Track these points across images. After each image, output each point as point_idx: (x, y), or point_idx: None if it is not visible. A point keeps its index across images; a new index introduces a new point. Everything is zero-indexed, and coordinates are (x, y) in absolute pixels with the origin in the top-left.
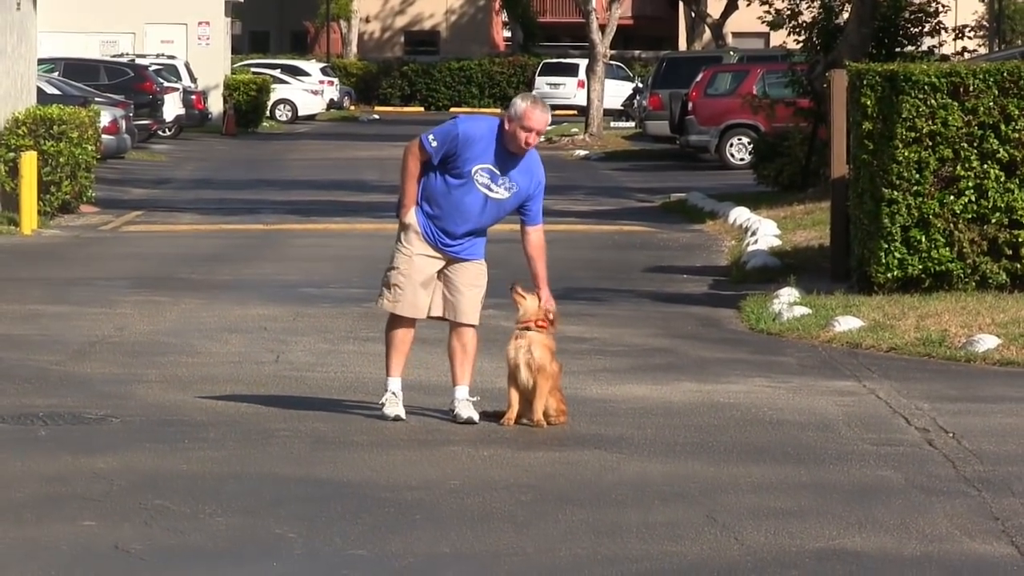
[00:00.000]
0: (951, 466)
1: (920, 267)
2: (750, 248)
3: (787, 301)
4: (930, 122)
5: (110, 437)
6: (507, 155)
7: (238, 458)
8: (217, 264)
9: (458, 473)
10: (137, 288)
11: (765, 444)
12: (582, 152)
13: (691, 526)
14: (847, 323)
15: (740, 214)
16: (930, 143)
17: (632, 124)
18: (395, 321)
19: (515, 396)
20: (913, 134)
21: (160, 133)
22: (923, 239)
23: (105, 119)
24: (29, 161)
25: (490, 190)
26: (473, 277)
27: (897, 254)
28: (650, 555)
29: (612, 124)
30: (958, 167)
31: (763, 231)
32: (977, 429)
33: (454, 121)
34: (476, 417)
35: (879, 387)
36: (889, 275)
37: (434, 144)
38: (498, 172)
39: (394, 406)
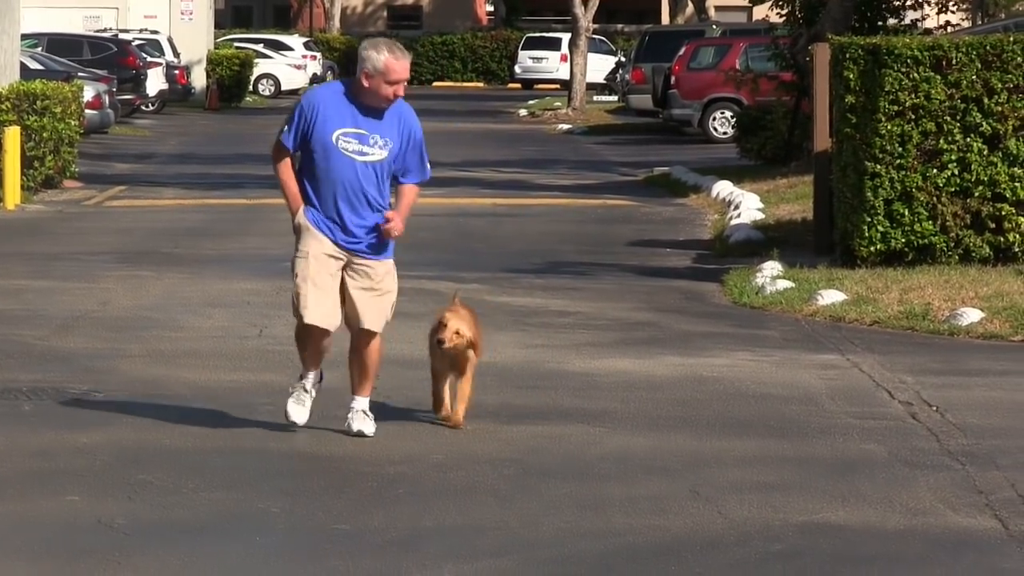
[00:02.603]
0: (935, 439)
1: (903, 241)
2: (733, 222)
3: (770, 275)
4: (913, 95)
5: (93, 412)
6: (370, 112)
7: (221, 433)
8: (200, 238)
9: (441, 447)
10: (121, 263)
11: (749, 418)
12: (565, 126)
13: (675, 500)
14: (830, 297)
15: (723, 188)
16: (913, 116)
17: (615, 98)
18: (304, 331)
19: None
20: (896, 107)
21: (143, 108)
22: (906, 212)
23: (88, 94)
24: (12, 136)
25: (362, 154)
26: (377, 279)
27: (880, 227)
28: (634, 529)
29: (595, 98)
30: (941, 140)
31: (746, 205)
32: (961, 402)
33: (298, 101)
34: (369, 430)
35: (862, 360)
36: (872, 249)
37: (287, 132)
38: (365, 132)
39: (298, 406)
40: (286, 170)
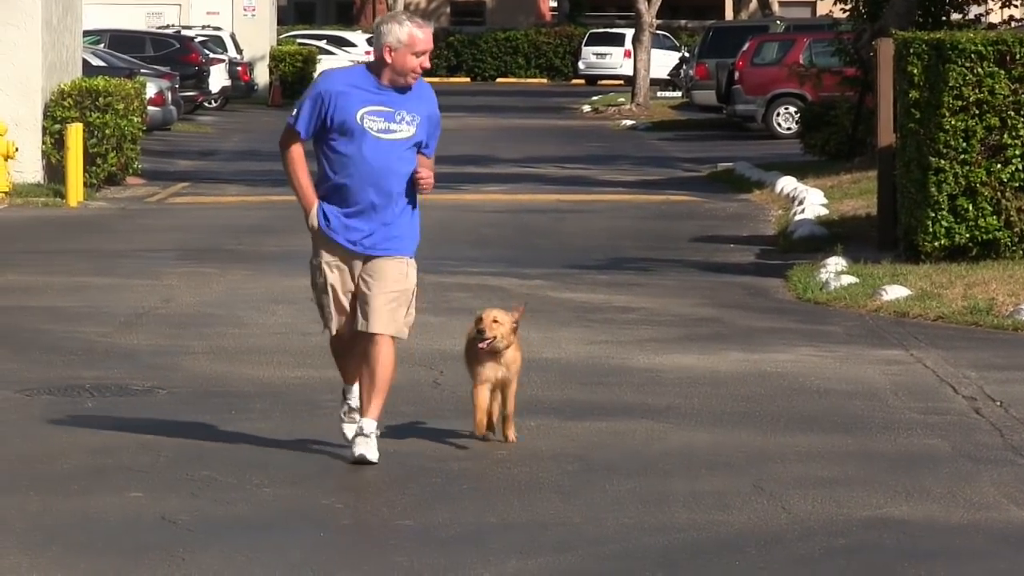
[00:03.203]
0: (998, 434)
1: (967, 236)
2: (797, 217)
3: (834, 270)
4: (977, 90)
5: (157, 408)
6: (393, 91)
7: (285, 429)
8: (263, 235)
9: (505, 443)
10: (183, 260)
11: (812, 413)
12: (628, 122)
13: (738, 495)
14: (894, 292)
15: (787, 183)
16: (977, 111)
17: (679, 94)
18: (334, 340)
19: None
20: (960, 102)
21: (206, 105)
22: (970, 208)
23: (151, 91)
24: (75, 133)
25: (388, 132)
26: (392, 280)
27: (944, 223)
28: (697, 524)
29: (658, 94)
30: (1005, 135)
31: (810, 200)
32: None
33: (312, 85)
34: (372, 456)
35: (926, 356)
36: (936, 244)
37: (300, 116)
38: (390, 109)
39: (352, 425)
40: (298, 161)
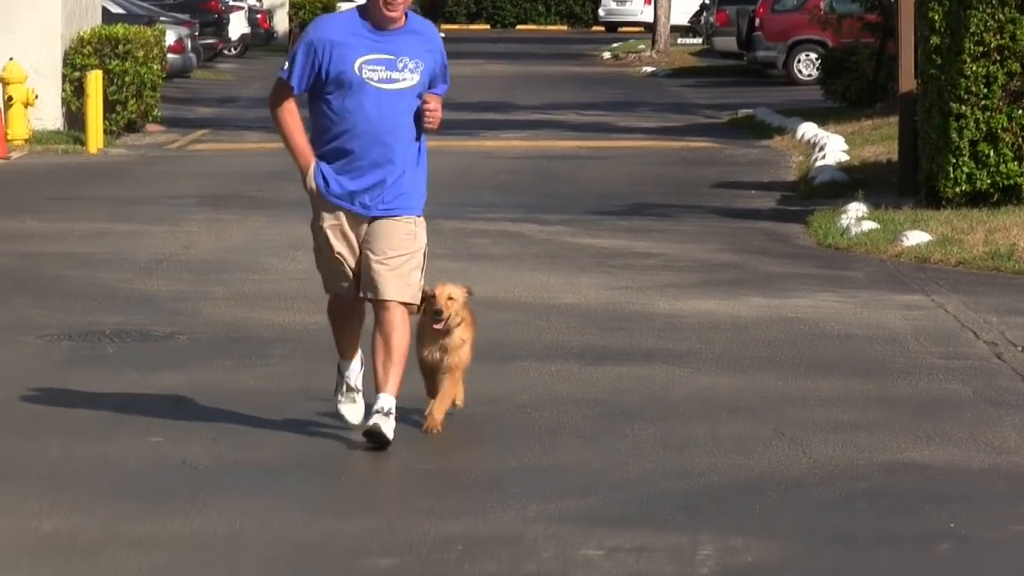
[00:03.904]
0: (1020, 379)
1: (988, 181)
2: (818, 163)
3: (855, 216)
4: (998, 36)
5: (177, 354)
6: (391, 33)
7: (305, 374)
8: (283, 182)
9: (526, 388)
10: (203, 206)
11: (833, 358)
12: (649, 69)
13: (759, 440)
14: (915, 237)
15: (808, 129)
16: (998, 57)
17: (699, 41)
18: (332, 302)
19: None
20: (981, 48)
21: (225, 52)
22: (991, 153)
23: (170, 38)
24: (94, 80)
25: (391, 81)
26: (400, 242)
27: (965, 168)
28: (718, 468)
29: (679, 41)
30: None
31: (831, 146)
32: None
33: (302, 35)
34: (389, 433)
35: (947, 301)
36: (957, 189)
37: (293, 70)
38: (391, 56)
39: (350, 405)
40: (290, 118)
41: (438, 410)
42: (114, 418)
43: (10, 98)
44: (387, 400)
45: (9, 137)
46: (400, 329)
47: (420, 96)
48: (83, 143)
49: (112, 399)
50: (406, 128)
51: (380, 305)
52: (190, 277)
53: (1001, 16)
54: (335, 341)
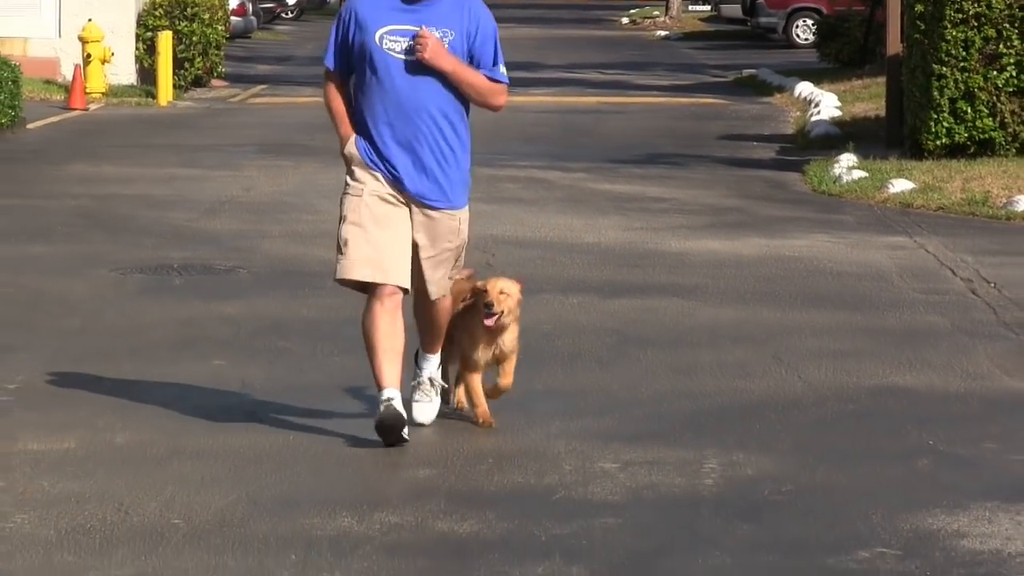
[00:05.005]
0: (992, 312)
1: (966, 135)
2: (813, 118)
3: (846, 166)
4: (976, 4)
5: (238, 286)
6: (420, 5)
7: (352, 305)
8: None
9: (550, 318)
10: (262, 154)
11: (825, 293)
12: (662, 33)
13: (759, 365)
14: (900, 185)
15: (804, 88)
16: (976, 24)
17: (708, 8)
18: (369, 306)
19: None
20: (960, 15)
21: (283, 16)
22: (969, 110)
23: (233, 2)
24: (165, 40)
25: (412, 52)
26: (445, 240)
27: (945, 123)
28: (722, 391)
29: (690, 8)
30: (1001, 45)
31: (825, 103)
32: (1016, 280)
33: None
34: (430, 416)
35: (928, 242)
36: (938, 142)
37: (328, 51)
38: (416, 28)
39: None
40: (332, 93)
41: (497, 393)
42: (180, 343)
43: (89, 55)
44: (432, 361)
45: (88, 90)
46: (443, 313)
47: (465, 58)
48: (154, 96)
49: (179, 326)
50: (435, 102)
51: (427, 300)
52: (249, 217)
53: None
54: (371, 361)
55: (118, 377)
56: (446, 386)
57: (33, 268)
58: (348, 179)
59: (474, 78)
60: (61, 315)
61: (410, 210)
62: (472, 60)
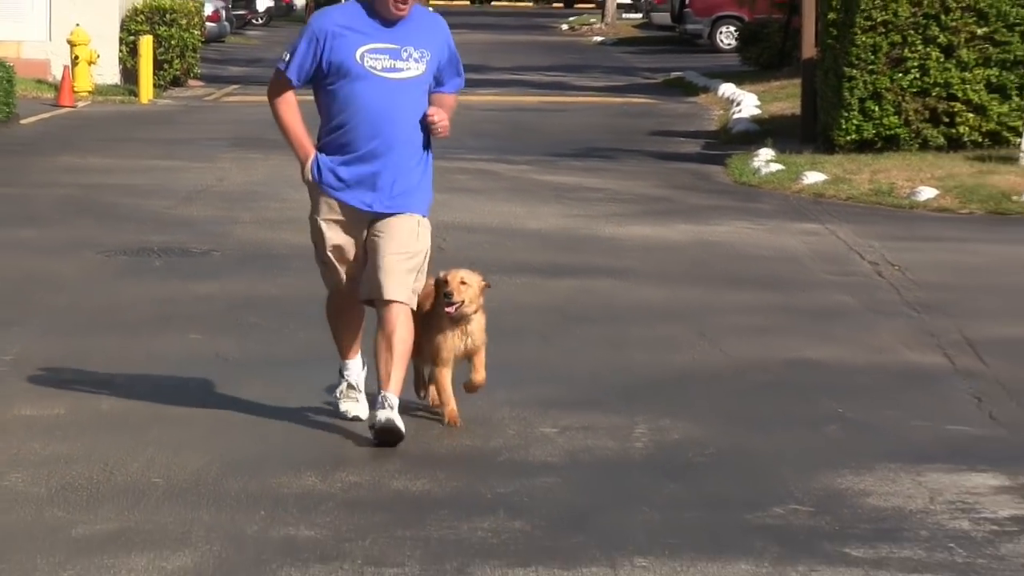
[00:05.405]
0: (896, 292)
1: (873, 132)
2: (735, 116)
3: (764, 159)
4: (883, 13)
5: (212, 267)
6: (394, 23)
7: (317, 285)
8: None
9: (496, 296)
10: (234, 147)
11: (745, 274)
12: (599, 38)
13: (685, 340)
14: (813, 177)
15: (727, 89)
16: (883, 30)
17: (640, 15)
18: (333, 296)
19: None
20: (869, 22)
21: (253, 22)
22: (876, 109)
23: (208, 9)
24: (146, 43)
25: (395, 71)
26: (403, 240)
27: (855, 121)
28: (651, 363)
29: (624, 15)
30: (905, 50)
31: (746, 103)
32: (918, 263)
33: (305, 26)
34: (401, 425)
35: (838, 229)
36: (848, 138)
37: (292, 61)
38: (395, 46)
39: (352, 403)
40: (289, 110)
41: (476, 386)
42: (160, 319)
43: (76, 57)
44: (393, 399)
45: (76, 89)
46: (403, 331)
47: (428, 88)
48: (136, 95)
49: (158, 303)
50: (409, 119)
51: (382, 304)
52: (222, 204)
53: None
54: (335, 341)
55: (103, 350)
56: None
57: (25, 250)
58: (311, 203)
59: (451, 112)
60: (51, 293)
61: (369, 222)
62: (441, 72)
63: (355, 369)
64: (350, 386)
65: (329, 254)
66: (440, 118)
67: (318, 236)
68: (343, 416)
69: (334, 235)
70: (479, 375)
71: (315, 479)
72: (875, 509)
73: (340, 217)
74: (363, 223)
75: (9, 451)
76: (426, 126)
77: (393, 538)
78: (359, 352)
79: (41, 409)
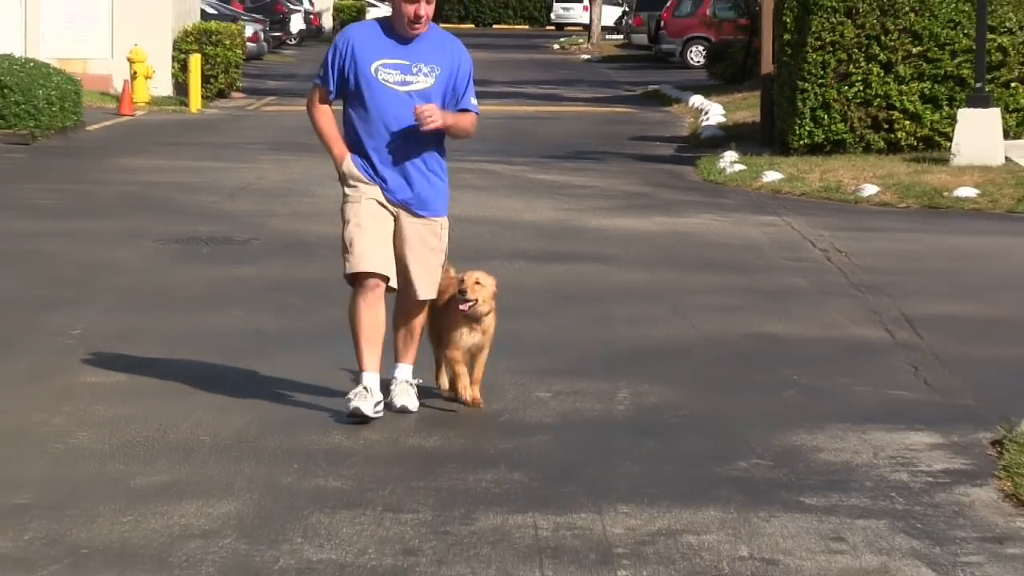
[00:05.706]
0: (843, 276)
1: (823, 137)
2: (704, 124)
3: (729, 160)
4: (831, 34)
5: (253, 254)
6: (409, 42)
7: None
8: None
9: (497, 279)
10: (271, 150)
11: (713, 260)
12: (586, 56)
13: (661, 317)
14: (771, 176)
15: (697, 100)
16: (831, 49)
17: (621, 37)
18: (356, 299)
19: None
20: (819, 43)
21: (288, 42)
22: (825, 117)
23: (249, 31)
24: (195, 61)
25: (405, 84)
26: (430, 245)
27: (807, 127)
28: (632, 337)
29: (607, 37)
30: (851, 66)
31: (713, 112)
32: (862, 250)
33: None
34: (413, 405)
35: (793, 220)
36: (801, 142)
37: (325, 75)
38: (407, 62)
39: (362, 399)
40: (323, 117)
41: (476, 388)
42: (207, 298)
43: (135, 73)
44: (406, 370)
45: (134, 100)
46: (421, 320)
47: (439, 99)
48: (186, 105)
49: (206, 285)
50: (417, 128)
51: (411, 300)
52: (261, 200)
53: (833, 20)
54: (356, 346)
55: (158, 325)
56: (419, 382)
57: (90, 239)
58: (346, 190)
59: (462, 121)
60: (113, 276)
61: (398, 217)
62: (453, 92)
63: (374, 381)
64: (365, 388)
65: (362, 229)
66: (429, 112)
67: (352, 212)
68: (352, 414)
69: (369, 204)
70: (477, 372)
71: (341, 437)
72: (826, 463)
73: (374, 197)
74: (393, 211)
75: (77, 414)
76: (437, 134)
77: (409, 488)
78: (378, 365)
79: (104, 377)
